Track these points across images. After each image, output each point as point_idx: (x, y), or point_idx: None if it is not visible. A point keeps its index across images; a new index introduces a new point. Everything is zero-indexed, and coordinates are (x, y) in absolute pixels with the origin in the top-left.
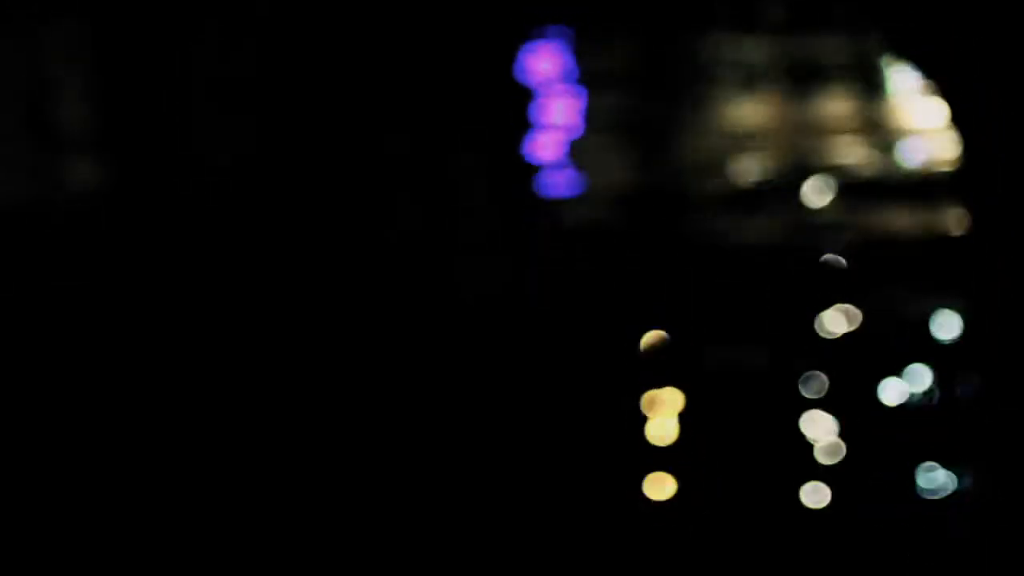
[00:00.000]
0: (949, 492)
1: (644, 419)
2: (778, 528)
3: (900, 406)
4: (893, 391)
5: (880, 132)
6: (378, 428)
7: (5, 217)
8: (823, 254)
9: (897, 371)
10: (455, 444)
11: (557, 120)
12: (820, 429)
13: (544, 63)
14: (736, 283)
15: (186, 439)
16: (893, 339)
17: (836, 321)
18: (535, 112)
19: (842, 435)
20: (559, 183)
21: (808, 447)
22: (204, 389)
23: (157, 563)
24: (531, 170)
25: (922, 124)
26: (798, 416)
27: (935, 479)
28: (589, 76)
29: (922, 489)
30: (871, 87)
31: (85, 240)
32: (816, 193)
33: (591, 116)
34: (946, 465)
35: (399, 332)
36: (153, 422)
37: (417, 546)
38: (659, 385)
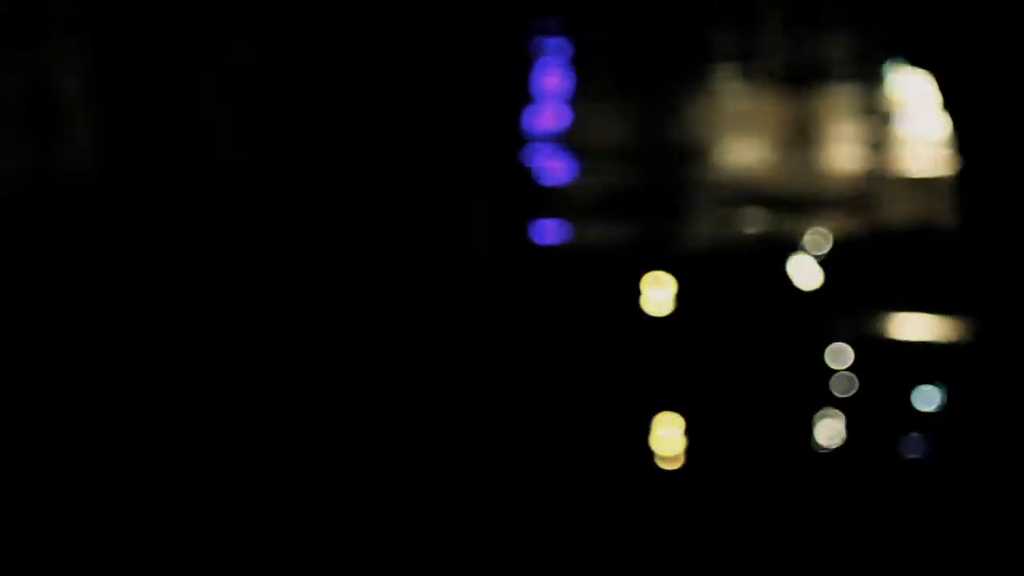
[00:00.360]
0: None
1: (645, 418)
2: (781, 528)
3: (901, 408)
4: (895, 393)
5: (879, 132)
6: (377, 428)
7: (3, 215)
8: (821, 251)
9: (897, 372)
10: (454, 445)
11: (556, 116)
12: (825, 431)
13: (544, 60)
14: (734, 280)
15: (179, 436)
16: (892, 339)
17: (834, 320)
18: (534, 109)
19: (845, 433)
20: (557, 177)
21: (813, 445)
22: (200, 386)
23: (157, 563)
24: (530, 171)
25: (921, 124)
26: (801, 415)
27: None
28: (589, 70)
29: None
30: (870, 87)
31: (84, 239)
32: (814, 191)
33: (590, 111)
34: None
35: (399, 332)
36: (149, 419)
37: (419, 545)
38: (660, 383)
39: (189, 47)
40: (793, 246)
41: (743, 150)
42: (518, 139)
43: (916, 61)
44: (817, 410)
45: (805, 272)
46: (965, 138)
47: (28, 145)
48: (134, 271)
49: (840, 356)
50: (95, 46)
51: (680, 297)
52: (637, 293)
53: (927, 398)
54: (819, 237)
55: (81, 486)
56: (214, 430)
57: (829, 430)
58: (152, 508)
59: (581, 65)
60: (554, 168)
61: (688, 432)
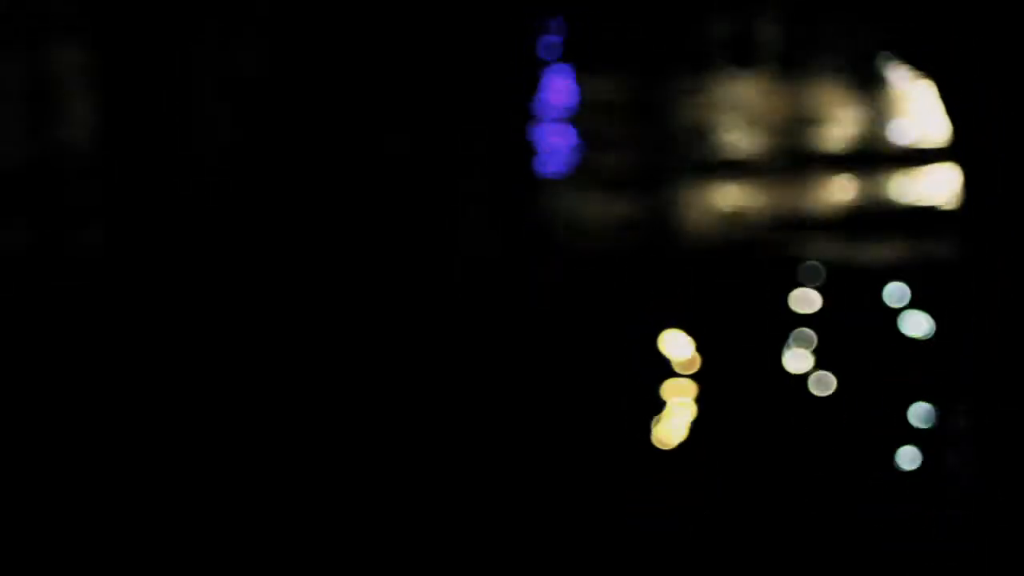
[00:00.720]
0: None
1: (647, 416)
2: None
3: (901, 408)
4: (895, 394)
5: (877, 131)
6: (377, 428)
7: (3, 214)
8: (817, 249)
9: (898, 373)
10: (454, 444)
11: (556, 116)
12: (824, 431)
13: (545, 60)
14: (732, 279)
15: (179, 432)
16: (892, 340)
17: (834, 316)
18: (534, 110)
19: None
20: (558, 176)
21: (812, 442)
22: (200, 384)
23: (157, 563)
24: (531, 170)
25: (920, 124)
26: (799, 416)
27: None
28: (589, 69)
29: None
30: (870, 85)
31: (84, 238)
32: (812, 190)
33: (591, 110)
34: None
35: (399, 331)
36: (149, 415)
37: (419, 544)
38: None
39: (189, 47)
40: (791, 245)
41: (743, 149)
42: (518, 139)
43: (916, 61)
44: (816, 411)
45: (803, 269)
46: (965, 138)
47: (28, 144)
48: (135, 270)
49: (840, 356)
50: (95, 46)
51: (680, 297)
52: (636, 292)
53: (927, 398)
54: (816, 235)
55: (80, 482)
56: (214, 426)
57: (828, 430)
58: (150, 506)
59: (582, 65)
60: (554, 168)
61: (688, 433)
